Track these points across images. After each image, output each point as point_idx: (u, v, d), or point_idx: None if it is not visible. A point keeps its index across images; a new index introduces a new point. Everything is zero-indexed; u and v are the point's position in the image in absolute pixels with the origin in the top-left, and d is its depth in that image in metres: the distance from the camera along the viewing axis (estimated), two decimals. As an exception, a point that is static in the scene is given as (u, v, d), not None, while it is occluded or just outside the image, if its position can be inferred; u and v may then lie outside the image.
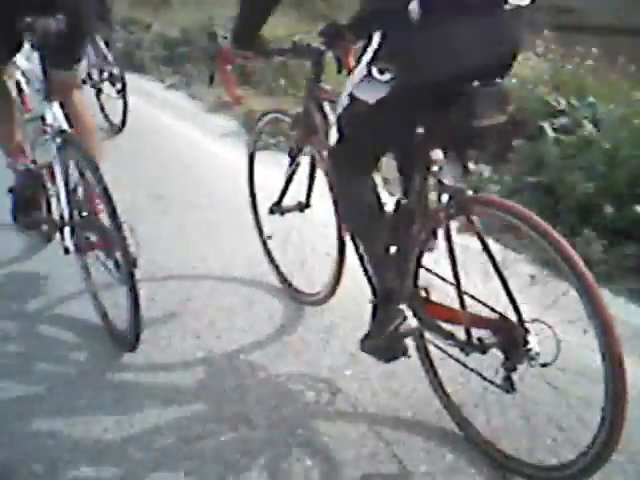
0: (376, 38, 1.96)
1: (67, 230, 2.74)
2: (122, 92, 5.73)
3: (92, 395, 2.52)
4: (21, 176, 3.21)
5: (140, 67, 8.60)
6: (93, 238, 2.78)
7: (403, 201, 2.31)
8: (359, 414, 2.40)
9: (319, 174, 2.82)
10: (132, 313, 2.59)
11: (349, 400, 2.46)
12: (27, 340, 2.89)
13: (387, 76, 1.97)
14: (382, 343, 2.29)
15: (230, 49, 2.54)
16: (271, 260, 3.26)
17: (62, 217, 2.77)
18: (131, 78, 7.30)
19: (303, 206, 2.97)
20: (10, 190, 3.22)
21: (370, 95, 2.04)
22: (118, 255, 2.61)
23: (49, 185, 3.11)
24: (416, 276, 2.29)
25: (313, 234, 3.26)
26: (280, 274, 3.21)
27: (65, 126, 2.74)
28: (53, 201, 3.11)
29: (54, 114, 2.75)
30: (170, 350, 2.78)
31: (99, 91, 5.74)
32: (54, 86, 2.80)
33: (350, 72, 2.20)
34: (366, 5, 2.07)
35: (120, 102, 5.75)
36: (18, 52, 2.92)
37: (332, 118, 2.44)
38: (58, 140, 2.71)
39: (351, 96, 2.11)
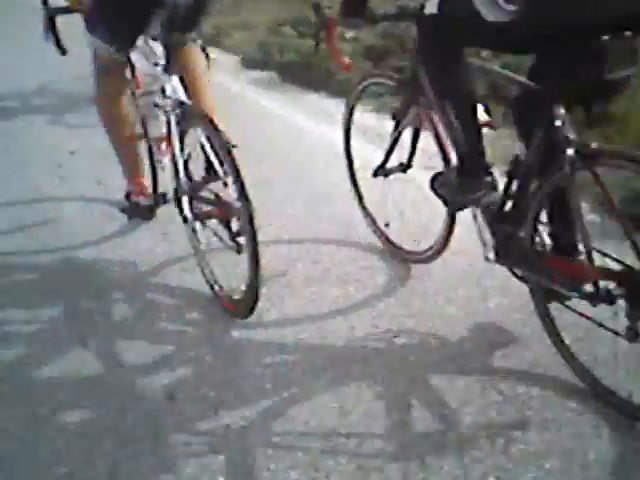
0: None
1: (185, 199, 2.81)
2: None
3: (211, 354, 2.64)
4: (130, 207, 3.42)
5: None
6: (208, 207, 2.81)
7: (521, 157, 2.32)
8: (473, 369, 2.45)
9: (423, 135, 2.87)
10: (252, 281, 2.59)
11: (462, 354, 2.52)
12: (143, 305, 2.99)
13: (512, 7, 1.97)
14: (460, 201, 2.45)
15: (337, 18, 2.59)
16: (372, 222, 3.29)
17: (178, 188, 2.83)
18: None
19: (405, 167, 3.01)
20: (122, 210, 3.47)
21: (488, 12, 2.03)
22: (235, 223, 2.64)
23: (157, 157, 3.18)
24: (534, 234, 2.33)
25: (417, 194, 3.25)
26: (382, 235, 3.23)
27: (184, 98, 2.79)
28: (163, 173, 3.16)
29: (174, 87, 2.79)
30: (283, 311, 2.85)
31: None
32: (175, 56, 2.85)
33: None
34: None
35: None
36: (143, 33, 2.89)
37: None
38: (177, 112, 2.75)
39: None
